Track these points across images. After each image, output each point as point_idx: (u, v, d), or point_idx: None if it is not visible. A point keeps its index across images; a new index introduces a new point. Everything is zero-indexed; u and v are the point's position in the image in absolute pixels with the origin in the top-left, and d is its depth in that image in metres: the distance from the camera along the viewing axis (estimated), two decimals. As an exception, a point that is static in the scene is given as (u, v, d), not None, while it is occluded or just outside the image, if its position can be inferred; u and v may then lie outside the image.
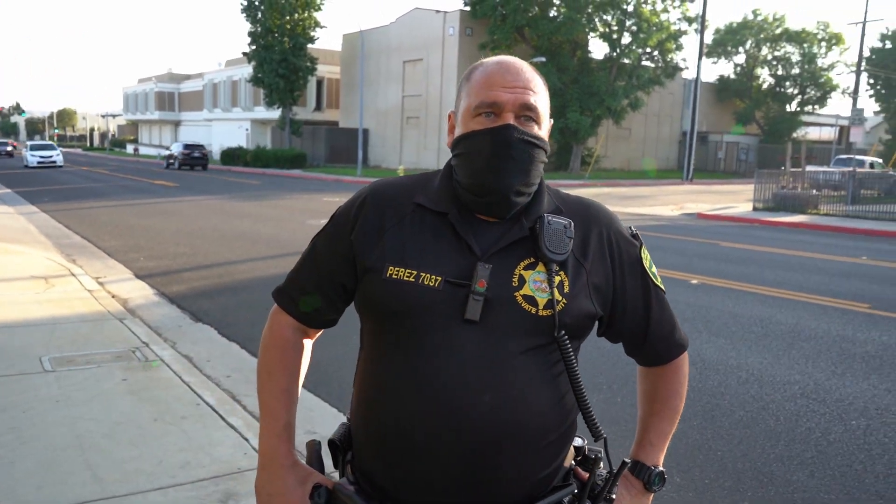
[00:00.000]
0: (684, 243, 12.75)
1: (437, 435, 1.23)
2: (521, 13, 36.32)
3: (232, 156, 45.00)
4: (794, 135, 50.57)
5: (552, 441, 1.30)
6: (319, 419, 4.10)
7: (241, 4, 43.47)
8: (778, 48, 51.89)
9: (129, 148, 77.58)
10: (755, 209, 19.61)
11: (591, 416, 1.34)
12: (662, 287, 1.46)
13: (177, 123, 71.58)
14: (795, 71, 51.80)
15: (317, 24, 43.93)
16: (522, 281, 1.27)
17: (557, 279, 1.28)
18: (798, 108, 52.73)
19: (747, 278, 9.08)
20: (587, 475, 1.39)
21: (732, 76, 53.62)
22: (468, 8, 38.69)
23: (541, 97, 1.31)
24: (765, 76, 53.57)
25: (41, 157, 39.44)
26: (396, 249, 1.29)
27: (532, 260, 1.29)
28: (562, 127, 37.65)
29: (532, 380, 1.26)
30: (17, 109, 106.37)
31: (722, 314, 7.08)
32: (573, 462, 1.41)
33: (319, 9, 43.81)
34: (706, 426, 4.24)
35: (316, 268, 1.42)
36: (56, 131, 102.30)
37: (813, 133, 54.93)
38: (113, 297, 7.23)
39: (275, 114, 46.97)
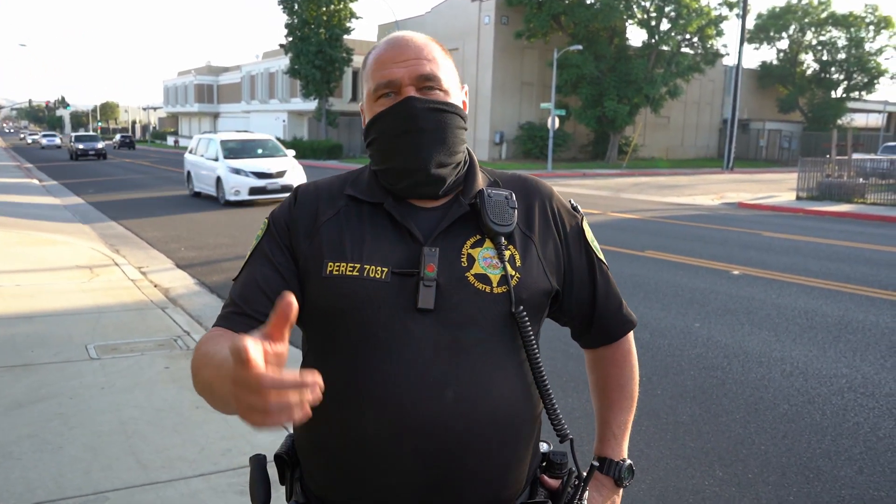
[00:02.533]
0: (725, 233, 12.50)
1: (396, 439, 1.12)
2: (558, 1, 35.93)
3: (269, 147, 45.47)
4: (840, 122, 49.19)
5: (520, 435, 1.21)
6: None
7: (278, -4, 43.79)
8: (823, 33, 50.43)
9: (170, 140, 78.99)
10: (799, 198, 19.13)
11: (555, 408, 1.24)
12: (605, 261, 1.38)
13: (215, 115, 72.62)
14: (841, 56, 50.30)
15: (352, 15, 44.04)
16: (472, 260, 1.19)
17: (507, 253, 1.21)
18: (844, 95, 51.24)
19: (791, 269, 8.87)
20: (556, 483, 1.30)
21: (775, 62, 52.33)
22: (504, -4, 38.42)
23: (439, 64, 1.23)
24: (809, 62, 52.17)
25: (259, 175, 15.91)
26: (334, 244, 1.21)
27: (478, 237, 1.22)
28: (599, 115, 37.25)
29: (495, 368, 1.18)
30: (63, 103, 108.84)
31: (765, 305, 6.92)
32: (538, 469, 1.32)
33: (355, -1, 43.90)
34: (749, 420, 4.16)
35: (260, 271, 1.23)
36: (99, 124, 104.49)
37: (859, 120, 53.34)
38: (155, 286, 7.36)
39: (311, 105, 47.28)
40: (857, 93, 51.12)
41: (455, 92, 1.27)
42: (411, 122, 1.19)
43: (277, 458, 1.30)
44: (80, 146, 40.26)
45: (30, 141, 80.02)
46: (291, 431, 1.33)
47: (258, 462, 1.29)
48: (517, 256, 1.23)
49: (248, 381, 0.77)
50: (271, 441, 3.56)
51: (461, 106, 1.27)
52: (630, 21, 38.60)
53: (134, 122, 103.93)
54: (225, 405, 1.03)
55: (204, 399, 1.12)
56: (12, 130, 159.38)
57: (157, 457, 3.37)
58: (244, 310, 1.19)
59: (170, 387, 4.31)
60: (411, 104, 1.19)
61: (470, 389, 1.15)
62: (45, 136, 70.11)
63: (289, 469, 1.30)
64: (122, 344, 5.12)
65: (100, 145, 40.78)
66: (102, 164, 34.87)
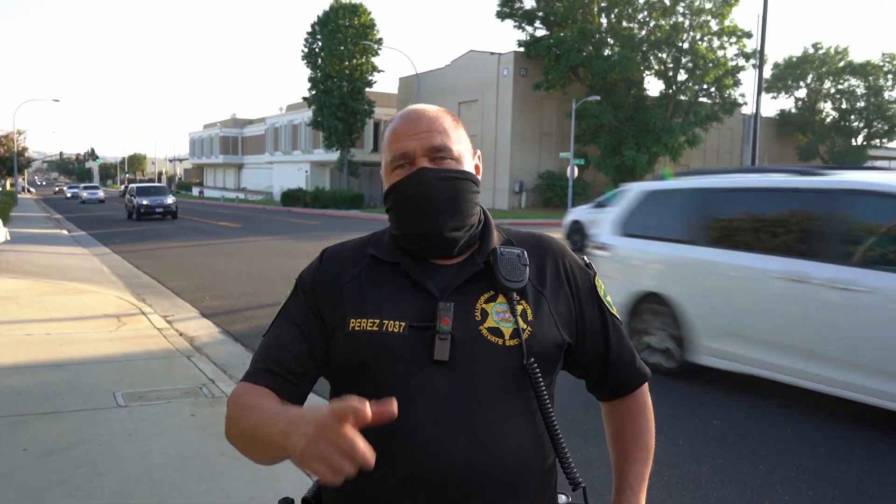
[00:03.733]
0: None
1: (412, 484, 1.20)
2: (575, 53, 36.61)
3: (292, 197, 46.26)
4: (861, 169, 49.04)
5: (533, 483, 1.27)
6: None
7: (302, 52, 45.20)
8: (841, 81, 50.74)
9: (195, 191, 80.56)
10: (821, 246, 18.97)
11: (567, 458, 1.30)
12: (619, 316, 1.45)
13: (240, 166, 74.16)
14: (860, 104, 50.46)
15: (374, 69, 45.23)
16: (485, 314, 1.27)
17: (520, 308, 1.28)
18: (864, 142, 51.23)
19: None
20: None
21: (794, 110, 52.58)
22: (522, 49, 39.21)
23: (450, 134, 1.33)
24: (828, 110, 52.39)
25: None
26: (356, 302, 1.30)
27: (492, 293, 1.29)
28: (618, 164, 37.49)
29: (508, 418, 1.24)
30: (92, 155, 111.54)
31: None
32: None
33: (377, 54, 45.10)
34: (773, 471, 4.12)
35: (287, 330, 1.34)
36: (127, 175, 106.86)
37: (881, 167, 53.13)
38: (180, 335, 7.49)
39: (333, 156, 48.19)
40: (877, 140, 51.08)
41: (467, 158, 1.36)
42: (424, 190, 1.29)
43: (305, 501, 1.37)
44: (145, 202, 30.16)
45: (69, 194, 68.65)
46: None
47: None
48: (529, 311, 1.30)
49: (343, 439, 0.94)
50: (294, 489, 3.60)
51: (473, 171, 1.37)
52: (647, 72, 39.14)
53: (161, 174, 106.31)
54: (263, 451, 1.17)
55: (236, 444, 1.25)
56: (44, 183, 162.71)
57: (183, 503, 3.43)
58: (271, 368, 1.31)
59: (196, 434, 4.38)
60: (424, 174, 1.29)
61: (482, 437, 1.21)
62: (85, 188, 60.92)
63: None
64: (149, 392, 5.22)
65: (170, 200, 30.91)
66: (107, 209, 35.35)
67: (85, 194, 56.21)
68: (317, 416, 0.97)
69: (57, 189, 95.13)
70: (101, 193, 56.23)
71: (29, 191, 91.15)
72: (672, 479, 3.97)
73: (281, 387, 1.29)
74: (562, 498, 1.38)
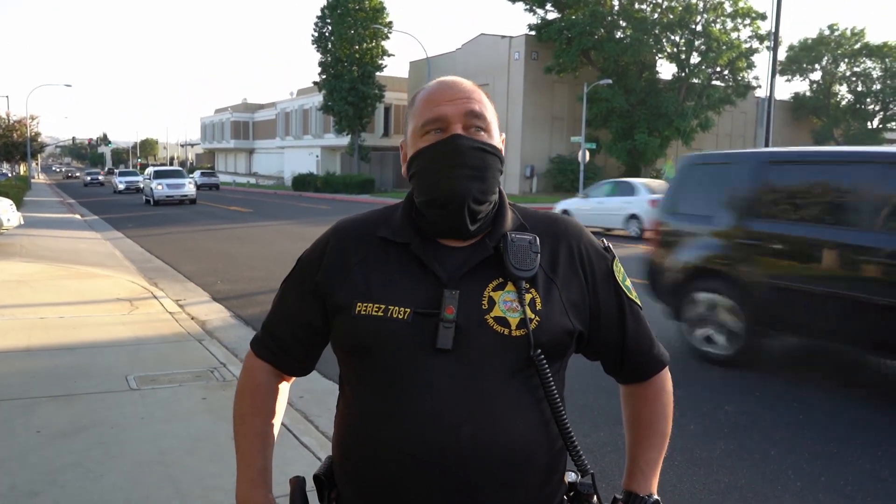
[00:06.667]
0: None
1: (416, 470, 1.19)
2: (587, 36, 36.28)
3: (303, 182, 46.32)
4: (877, 153, 48.51)
5: (539, 471, 1.25)
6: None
7: (312, 36, 45.01)
8: (857, 64, 50.06)
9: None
10: (835, 231, 18.82)
11: (575, 445, 1.28)
12: (638, 302, 1.40)
13: (251, 151, 74.24)
14: (877, 87, 49.81)
15: (384, 53, 45.02)
16: (492, 303, 1.24)
17: (528, 297, 1.25)
18: (880, 125, 50.62)
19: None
20: None
21: (808, 93, 51.98)
22: (533, 32, 38.89)
23: (486, 107, 1.31)
24: (843, 93, 51.74)
25: None
26: (363, 285, 1.28)
27: (500, 280, 1.26)
28: (629, 148, 37.23)
29: (513, 406, 1.22)
30: (105, 140, 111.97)
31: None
32: (566, 498, 1.35)
33: (387, 38, 44.89)
34: (784, 457, 4.10)
35: (286, 312, 1.41)
36: (139, 160, 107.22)
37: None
38: (192, 318, 7.52)
39: (344, 140, 48.14)
40: (893, 123, 50.46)
41: (496, 137, 1.33)
42: (457, 156, 1.25)
43: (316, 478, 1.37)
44: None
45: (121, 185, 44.55)
46: (331, 453, 1.40)
47: (298, 483, 1.39)
48: (538, 300, 1.26)
49: None
50: (304, 472, 3.62)
51: (500, 150, 1.33)
52: (660, 55, 38.74)
53: (172, 158, 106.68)
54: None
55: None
56: (59, 167, 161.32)
57: (195, 486, 3.45)
58: (269, 344, 1.43)
59: (207, 417, 4.41)
60: (458, 141, 1.26)
61: (486, 428, 1.19)
62: (157, 173, 31.97)
63: (326, 489, 1.36)
64: (161, 375, 5.25)
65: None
66: (140, 200, 35.47)
67: (160, 188, 30.38)
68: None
69: (90, 179, 63.07)
70: (188, 187, 31.33)
71: (74, 176, 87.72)
72: (683, 464, 3.96)
73: (277, 360, 1.43)
74: (571, 475, 1.37)
